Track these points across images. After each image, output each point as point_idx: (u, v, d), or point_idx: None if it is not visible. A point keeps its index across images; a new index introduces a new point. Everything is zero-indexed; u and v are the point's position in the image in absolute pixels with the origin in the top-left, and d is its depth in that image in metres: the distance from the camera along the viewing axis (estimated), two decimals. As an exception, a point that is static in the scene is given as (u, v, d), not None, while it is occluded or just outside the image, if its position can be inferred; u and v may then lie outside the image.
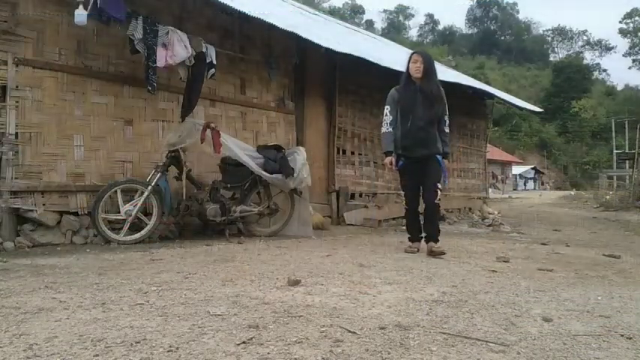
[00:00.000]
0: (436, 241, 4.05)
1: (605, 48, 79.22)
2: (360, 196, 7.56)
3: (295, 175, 5.12)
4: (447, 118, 4.21)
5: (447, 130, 4.21)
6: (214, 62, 5.04)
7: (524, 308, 2.29)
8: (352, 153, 7.59)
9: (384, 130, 4.19)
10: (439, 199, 4.08)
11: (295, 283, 2.66)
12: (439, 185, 4.08)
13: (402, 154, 4.15)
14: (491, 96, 10.92)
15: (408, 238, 4.31)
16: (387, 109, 4.18)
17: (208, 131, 4.67)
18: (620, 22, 60.83)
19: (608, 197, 16.44)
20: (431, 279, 2.94)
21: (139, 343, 1.64)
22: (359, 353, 1.60)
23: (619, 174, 27.83)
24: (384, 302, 2.31)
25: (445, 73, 8.65)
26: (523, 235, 6.78)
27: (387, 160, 4.18)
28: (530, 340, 1.80)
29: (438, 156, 4.13)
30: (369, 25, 78.60)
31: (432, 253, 3.93)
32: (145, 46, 4.40)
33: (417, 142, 4.06)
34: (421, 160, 4.09)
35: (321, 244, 4.76)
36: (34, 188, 4.10)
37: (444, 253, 3.92)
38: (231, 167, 4.97)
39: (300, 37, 5.64)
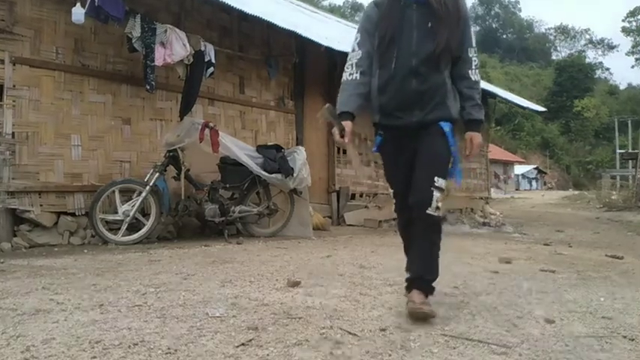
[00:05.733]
0: (427, 290, 2.13)
1: (608, 47, 79.11)
2: (361, 196, 7.55)
3: (295, 175, 5.10)
4: (473, 53, 2.24)
5: (474, 76, 2.23)
6: (213, 61, 5.04)
7: (527, 309, 2.27)
8: (353, 153, 7.57)
9: (344, 76, 2.30)
10: (438, 207, 2.11)
11: (295, 284, 2.65)
12: (439, 182, 2.11)
13: (380, 124, 2.29)
14: (494, 95, 10.89)
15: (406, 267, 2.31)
16: (356, 39, 2.31)
17: (207, 130, 4.66)
18: (623, 20, 60.59)
19: (614, 197, 16.39)
20: (432, 280, 2.91)
21: (137, 345, 1.63)
22: (359, 355, 1.59)
23: (622, 174, 27.81)
24: (384, 304, 2.29)
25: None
26: (525, 236, 6.76)
27: (336, 129, 2.20)
28: (533, 342, 1.79)
29: (445, 125, 2.18)
30: (370, 25, 78.44)
31: (414, 314, 2.02)
32: (144, 44, 4.41)
33: (406, 99, 2.18)
34: (413, 131, 2.20)
35: (321, 244, 4.74)
36: (31, 188, 4.09)
37: (433, 316, 2.03)
38: (230, 167, 4.96)
39: (300, 36, 5.63)
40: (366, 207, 7.27)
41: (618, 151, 39.03)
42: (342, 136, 2.19)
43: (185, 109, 4.97)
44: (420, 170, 2.17)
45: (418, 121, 2.19)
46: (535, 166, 50.71)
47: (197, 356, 1.54)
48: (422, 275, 2.14)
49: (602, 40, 79.66)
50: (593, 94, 58.80)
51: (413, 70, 2.16)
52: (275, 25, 5.30)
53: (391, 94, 2.21)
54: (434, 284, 2.14)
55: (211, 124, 4.71)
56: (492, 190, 15.31)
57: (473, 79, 2.23)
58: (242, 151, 4.92)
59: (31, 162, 4.12)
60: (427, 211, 2.09)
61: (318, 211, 6.35)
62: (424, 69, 2.17)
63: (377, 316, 2.09)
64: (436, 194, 2.10)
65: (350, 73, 2.27)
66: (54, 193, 4.23)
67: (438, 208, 2.11)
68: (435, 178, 2.11)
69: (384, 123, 2.27)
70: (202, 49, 4.86)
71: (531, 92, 53.32)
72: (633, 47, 58.13)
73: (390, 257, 3.83)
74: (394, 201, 2.35)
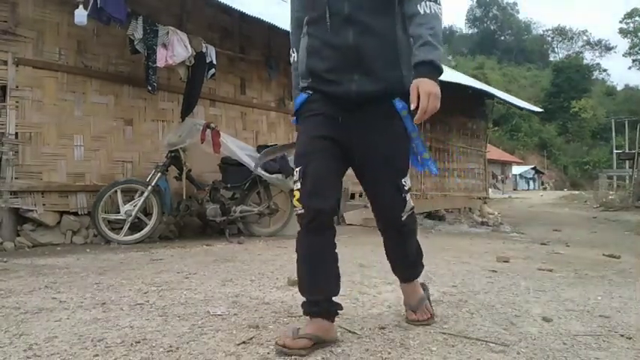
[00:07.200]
0: (415, 277, 1.96)
1: (605, 48, 79.17)
2: (360, 196, 7.57)
3: (295, 175, 5.12)
4: None
5: (424, 9, 1.55)
6: (214, 62, 5.06)
7: (524, 308, 2.28)
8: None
9: (291, 58, 1.86)
10: (411, 211, 1.79)
11: (295, 282, 2.65)
12: (407, 182, 1.73)
13: (308, 87, 1.71)
14: (491, 96, 10.92)
15: (303, 303, 1.74)
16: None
17: (208, 131, 4.68)
18: (620, 22, 60.66)
19: (611, 197, 16.44)
20: (431, 279, 2.93)
21: (139, 343, 1.64)
22: (359, 353, 1.60)
23: (619, 174, 27.85)
24: (384, 302, 2.30)
25: (444, 72, 8.65)
26: (523, 235, 6.78)
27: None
28: (530, 340, 1.79)
29: (399, 103, 1.63)
30: (369, 25, 78.30)
31: (413, 320, 1.93)
32: (145, 46, 4.43)
33: (340, 59, 1.62)
34: (353, 107, 1.64)
35: (321, 244, 4.74)
36: (34, 188, 4.10)
37: (433, 319, 1.95)
38: (231, 167, 4.98)
39: (300, 37, 5.64)
40: (365, 207, 7.28)
41: (615, 151, 39.07)
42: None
43: (187, 110, 4.99)
44: (380, 176, 1.71)
45: (360, 92, 1.61)
46: (533, 167, 50.73)
47: (198, 354, 1.54)
48: (408, 277, 1.95)
49: (599, 42, 79.81)
50: (590, 95, 58.88)
51: (346, 18, 1.60)
52: (275, 26, 5.32)
53: (321, 53, 1.64)
54: (422, 267, 1.97)
55: (213, 125, 4.73)
56: (490, 190, 15.34)
57: (422, 12, 1.55)
58: (243, 151, 4.94)
59: (34, 162, 4.13)
60: (401, 216, 1.75)
61: (317, 211, 6.37)
62: (363, 15, 1.60)
63: (376, 314, 2.09)
64: (408, 198, 1.74)
65: (289, 54, 1.84)
66: (57, 192, 4.25)
67: (411, 210, 1.78)
68: (403, 181, 1.71)
69: (312, 86, 1.69)
70: (204, 50, 4.89)
71: (529, 93, 53.33)
72: (630, 48, 58.20)
73: (389, 257, 3.85)
74: (298, 187, 1.62)
